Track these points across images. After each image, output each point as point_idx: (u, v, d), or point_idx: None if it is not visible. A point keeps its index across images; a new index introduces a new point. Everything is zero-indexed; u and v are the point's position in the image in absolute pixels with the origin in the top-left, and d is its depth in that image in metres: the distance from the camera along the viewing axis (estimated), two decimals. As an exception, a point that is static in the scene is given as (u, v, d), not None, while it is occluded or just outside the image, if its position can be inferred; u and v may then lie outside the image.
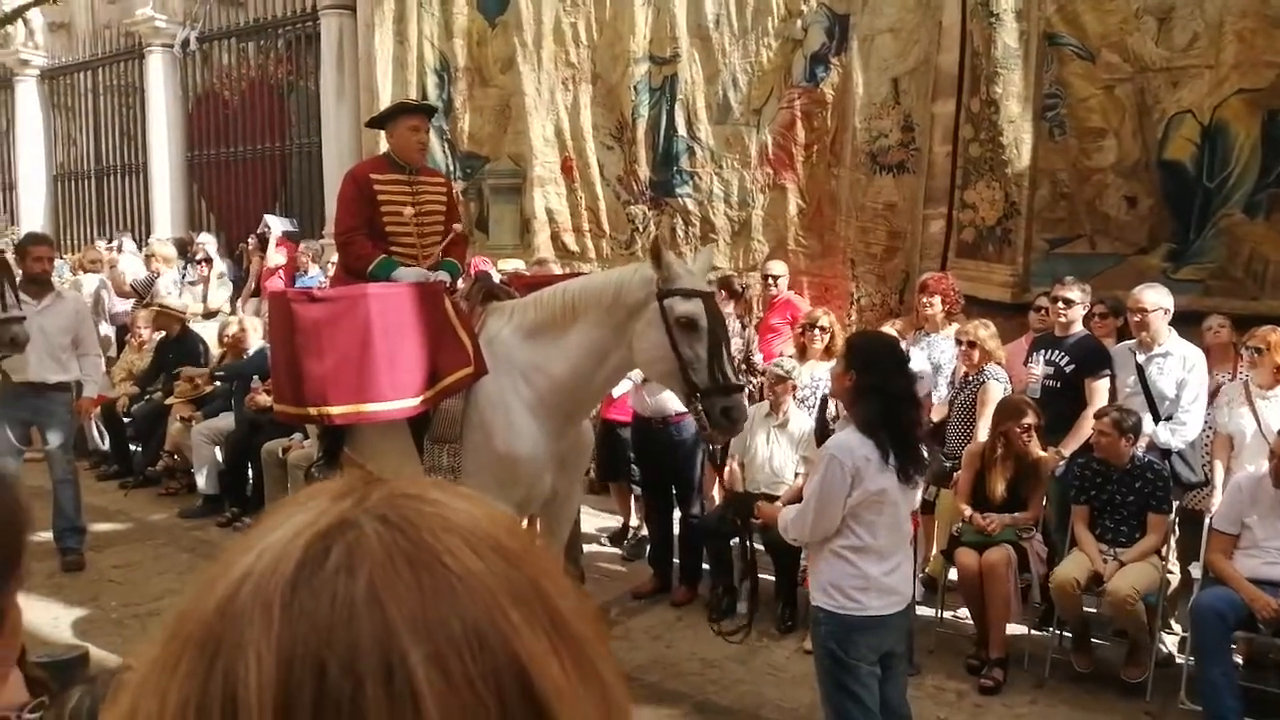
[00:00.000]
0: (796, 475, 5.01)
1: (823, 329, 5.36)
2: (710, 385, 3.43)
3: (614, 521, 6.34)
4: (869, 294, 6.33)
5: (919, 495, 3.43)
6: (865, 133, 6.27)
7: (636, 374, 4.62)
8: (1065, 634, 4.56)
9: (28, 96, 11.56)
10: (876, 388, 2.99)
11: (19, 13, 10.67)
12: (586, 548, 5.84)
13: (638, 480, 5.77)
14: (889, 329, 5.20)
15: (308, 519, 0.50)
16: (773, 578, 5.03)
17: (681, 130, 7.05)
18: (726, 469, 5.13)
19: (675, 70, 7.06)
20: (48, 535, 5.72)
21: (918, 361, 4.98)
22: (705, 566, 5.34)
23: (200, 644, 0.46)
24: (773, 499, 4.80)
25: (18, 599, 1.05)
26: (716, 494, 5.76)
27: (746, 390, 3.92)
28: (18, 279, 5.66)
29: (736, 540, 5.12)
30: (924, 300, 5.40)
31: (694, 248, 7.02)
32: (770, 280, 6.30)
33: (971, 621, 4.58)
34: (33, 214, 11.37)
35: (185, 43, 10.29)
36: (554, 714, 0.46)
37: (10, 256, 5.84)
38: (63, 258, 8.88)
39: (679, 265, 3.55)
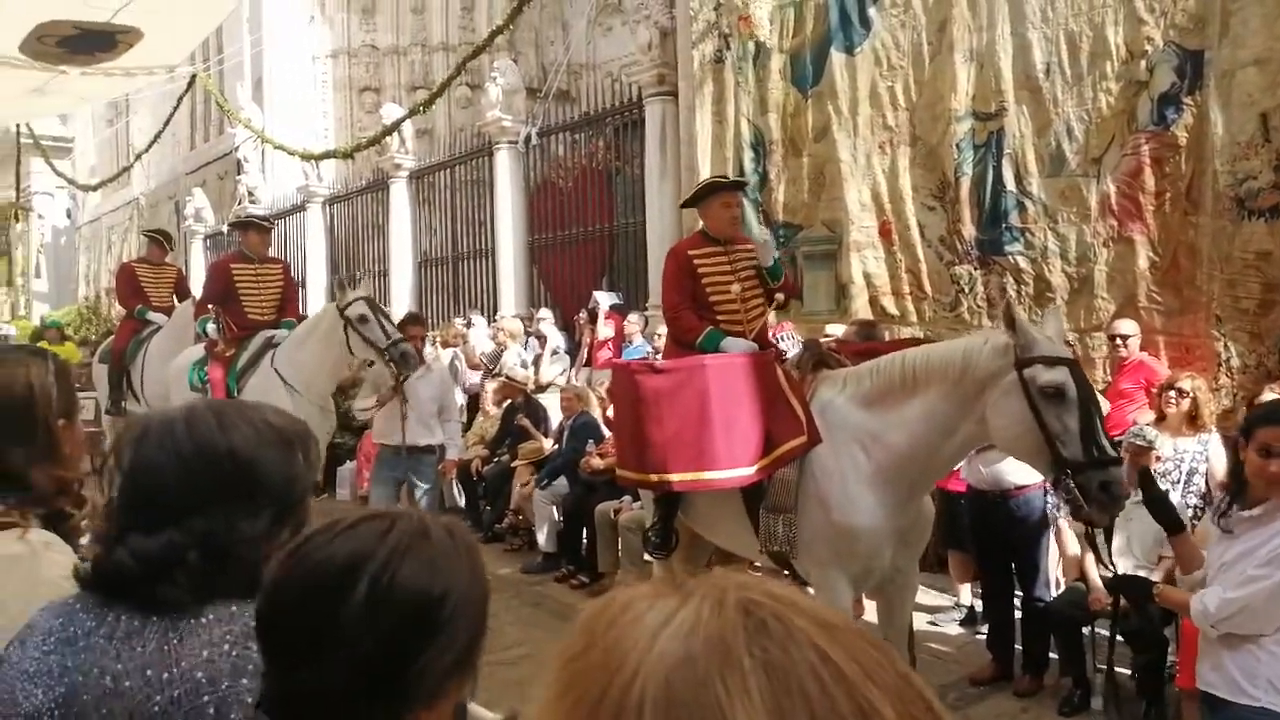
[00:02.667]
0: (1160, 559, 4.51)
1: (1181, 392, 4.83)
2: (1085, 459, 3.16)
3: (938, 598, 6.03)
4: (1241, 354, 5.62)
5: None
6: (1229, 175, 5.64)
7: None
8: None
9: (399, 195, 13.20)
10: None
11: (395, 125, 12.30)
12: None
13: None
14: (1270, 394, 4.60)
15: (687, 620, 0.56)
16: (1127, 671, 4.53)
17: (1010, 186, 6.72)
18: (1074, 553, 4.75)
19: (1002, 124, 6.76)
20: (414, 585, 6.33)
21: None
22: (1052, 655, 4.92)
23: None
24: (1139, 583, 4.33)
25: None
26: (1057, 572, 5.34)
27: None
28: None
29: (1088, 628, 4.71)
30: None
31: (1028, 307, 6.62)
32: (1119, 341, 5.79)
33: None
34: (401, 295, 12.89)
35: (527, 138, 11.33)
36: None
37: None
38: (433, 335, 9.96)
39: (1036, 330, 3.34)
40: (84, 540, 1.73)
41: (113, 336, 9.74)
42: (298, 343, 6.59)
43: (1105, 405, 5.06)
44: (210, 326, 7.15)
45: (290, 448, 1.35)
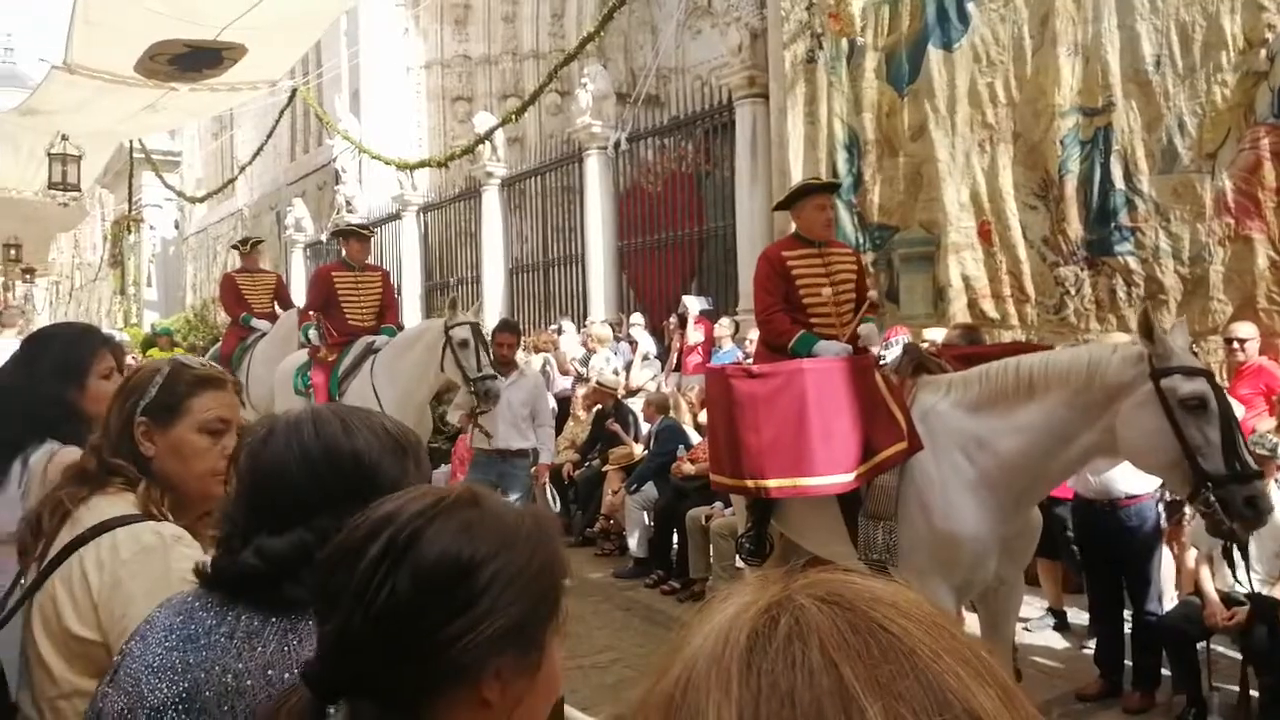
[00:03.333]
0: (1287, 572, 4.27)
1: (1312, 398, 4.56)
2: (1227, 473, 3.03)
3: (1026, 607, 5.82)
4: (1374, 358, 5.30)
5: None
6: (1358, 169, 5.33)
7: None
8: None
9: (491, 202, 13.40)
10: None
11: (487, 134, 12.49)
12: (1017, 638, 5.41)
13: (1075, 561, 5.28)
14: None
15: (745, 601, 0.55)
16: (1235, 687, 4.30)
17: (1119, 183, 6.46)
18: (1194, 566, 4.53)
19: (1109, 120, 6.51)
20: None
21: None
22: (1164, 671, 4.70)
23: (663, 715, 0.52)
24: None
25: (556, 651, 1.06)
26: (1170, 588, 5.11)
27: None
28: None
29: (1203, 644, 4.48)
30: None
31: (1137, 310, 6.35)
32: (1237, 345, 5.52)
33: None
34: (492, 302, 13.06)
35: (617, 144, 11.38)
36: None
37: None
38: (524, 341, 10.07)
39: (1173, 340, 3.18)
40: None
41: (219, 343, 10.10)
42: (399, 351, 6.72)
43: (1240, 410, 4.84)
44: (312, 333, 7.35)
45: (405, 454, 1.36)
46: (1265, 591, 4.23)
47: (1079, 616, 5.61)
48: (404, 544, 0.98)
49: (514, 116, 12.33)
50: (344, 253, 7.61)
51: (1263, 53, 5.78)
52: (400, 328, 7.67)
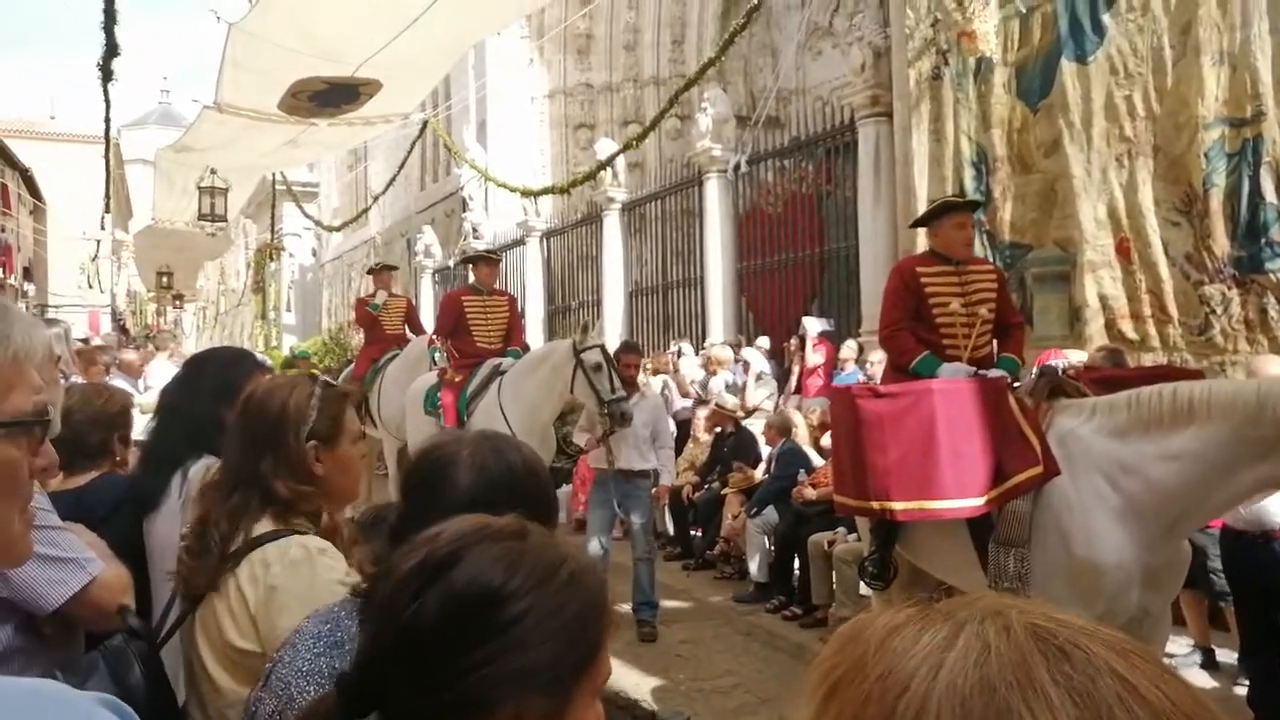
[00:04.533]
0: None
1: None
2: None
3: (1171, 643, 5.50)
4: None
5: None
6: None
7: None
8: None
9: (612, 226, 13.59)
10: None
11: (609, 160, 12.69)
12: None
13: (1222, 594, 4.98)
14: None
15: (974, 645, 0.54)
16: None
17: (1270, 197, 6.10)
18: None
19: (1259, 130, 6.16)
20: (626, 607, 6.45)
21: None
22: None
23: None
24: None
25: (595, 708, 1.01)
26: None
27: None
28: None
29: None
30: None
31: (1294, 331, 5.98)
32: (1404, 366, 5.12)
33: None
34: (613, 324, 13.21)
35: (737, 166, 11.39)
36: None
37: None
38: (645, 362, 10.15)
39: None
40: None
41: (353, 365, 10.53)
42: (526, 371, 6.87)
43: None
44: (437, 355, 7.58)
45: (546, 476, 1.44)
46: None
47: (1228, 655, 5.28)
48: (439, 564, 0.98)
49: (635, 142, 12.48)
50: (472, 278, 7.84)
51: None
52: (526, 349, 7.84)
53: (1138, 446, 3.31)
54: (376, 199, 19.85)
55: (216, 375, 2.65)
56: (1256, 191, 6.19)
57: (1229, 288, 6.36)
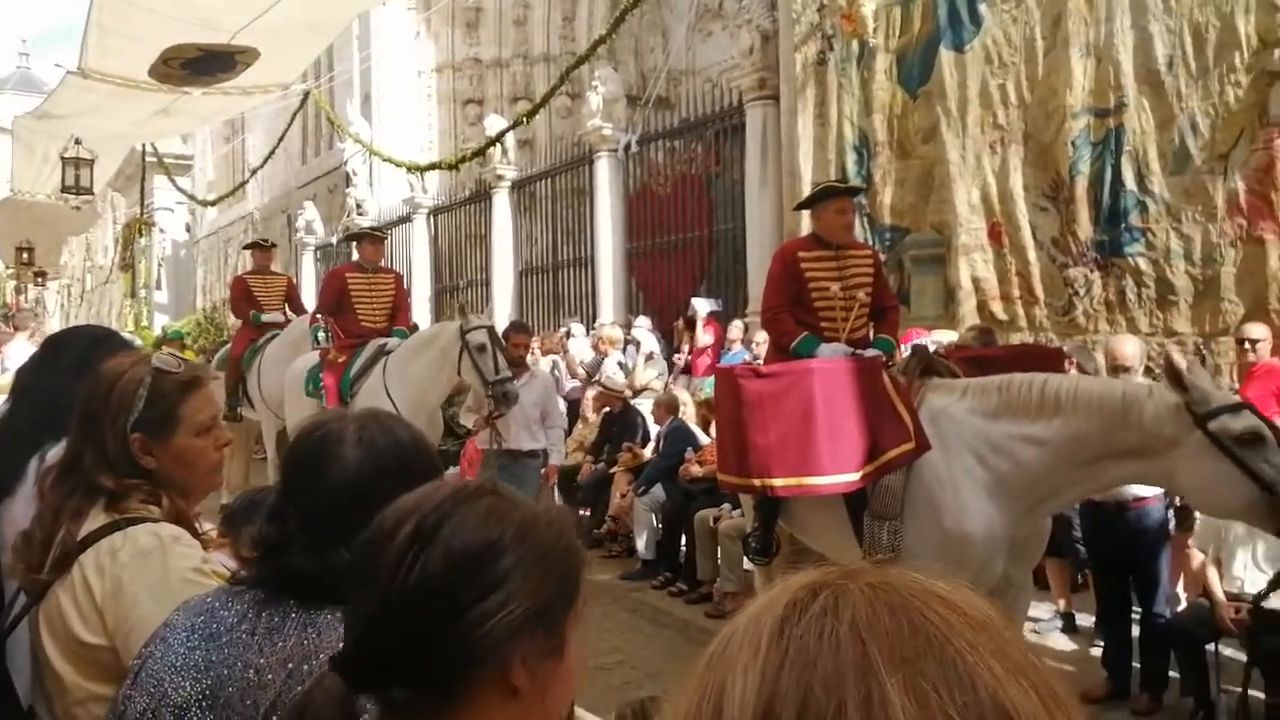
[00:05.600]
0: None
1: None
2: None
3: (1035, 608, 5.81)
4: (1386, 359, 5.27)
5: None
6: (1371, 169, 5.30)
7: None
8: None
9: (501, 205, 13.43)
10: None
11: (498, 137, 12.53)
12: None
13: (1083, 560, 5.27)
14: None
15: (792, 583, 0.57)
16: (1260, 694, 4.26)
17: (1130, 184, 6.44)
18: (1202, 572, 4.51)
19: (1121, 121, 6.49)
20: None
21: None
22: (1172, 674, 4.68)
23: (700, 680, 0.54)
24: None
25: (575, 642, 1.07)
26: (1183, 591, 5.09)
27: None
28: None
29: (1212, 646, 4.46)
30: None
31: (1149, 311, 6.33)
32: (1248, 346, 5.49)
33: None
34: (502, 304, 13.09)
35: (627, 146, 11.39)
36: None
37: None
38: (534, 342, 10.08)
39: (1206, 381, 3.14)
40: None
41: (229, 345, 10.15)
42: (413, 352, 6.74)
43: None
44: (321, 335, 7.37)
45: (435, 454, 1.44)
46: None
47: (1087, 619, 5.59)
48: (433, 526, 1.00)
49: (524, 119, 12.35)
50: (356, 255, 7.64)
51: (1277, 53, 5.76)
52: (414, 329, 7.69)
53: (1006, 429, 3.48)
54: (254, 173, 19.15)
55: (78, 355, 2.51)
56: (1118, 179, 6.52)
57: (1091, 271, 6.70)
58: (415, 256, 15.27)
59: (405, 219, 15.54)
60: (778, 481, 3.79)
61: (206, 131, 23.37)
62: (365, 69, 16.01)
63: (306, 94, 15.83)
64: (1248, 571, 4.37)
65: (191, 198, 23.01)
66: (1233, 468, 3.02)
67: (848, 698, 0.49)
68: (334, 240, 16.40)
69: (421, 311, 14.22)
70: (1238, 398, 3.24)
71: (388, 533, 1.02)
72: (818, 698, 0.49)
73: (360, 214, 15.74)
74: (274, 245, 10.25)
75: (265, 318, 9.02)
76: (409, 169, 14.36)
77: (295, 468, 1.44)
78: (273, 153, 17.91)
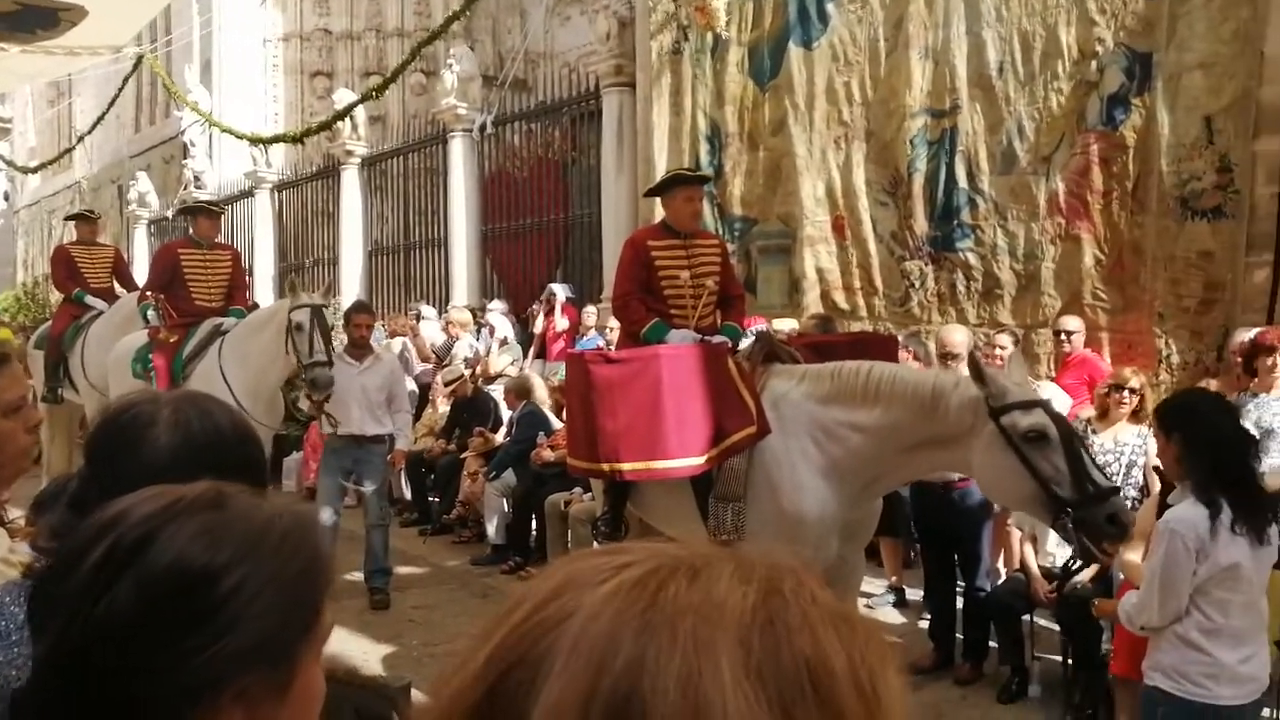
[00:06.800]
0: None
1: (1133, 391, 4.91)
2: (1082, 495, 3.11)
3: (869, 583, 6.10)
4: (1181, 351, 5.75)
5: (1272, 555, 2.93)
6: (1174, 176, 5.76)
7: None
8: None
9: (350, 182, 13.02)
10: (1201, 442, 2.69)
11: (347, 110, 12.12)
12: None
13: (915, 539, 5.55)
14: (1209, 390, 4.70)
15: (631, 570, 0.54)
16: (1055, 657, 4.61)
17: (962, 182, 6.80)
18: (1019, 548, 4.81)
19: (955, 122, 6.84)
20: (359, 575, 6.28)
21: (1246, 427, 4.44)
22: (992, 643, 4.99)
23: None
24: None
25: (319, 667, 0.96)
26: (1002, 565, 5.42)
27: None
28: (341, 342, 6.43)
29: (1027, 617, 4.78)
30: (1263, 360, 4.81)
31: (977, 303, 6.70)
32: (1064, 336, 5.90)
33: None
34: (350, 284, 12.72)
35: (482, 127, 11.22)
36: None
37: (338, 320, 6.59)
38: (381, 324, 9.83)
39: (1004, 378, 3.29)
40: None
41: (50, 322, 9.47)
42: (250, 332, 6.44)
43: (1065, 400, 5.15)
44: (151, 313, 6.96)
45: (258, 441, 1.34)
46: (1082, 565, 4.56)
47: (917, 593, 5.89)
48: (130, 548, 0.87)
49: (375, 94, 12.01)
50: (191, 230, 7.25)
51: (1094, 64, 6.18)
52: (253, 308, 7.36)
53: (836, 415, 3.62)
54: (81, 139, 17.96)
55: None
56: (951, 178, 6.87)
57: (926, 264, 7.04)
58: (258, 233, 14.66)
59: (248, 194, 14.88)
60: (626, 466, 3.83)
61: (27, 92, 21.72)
62: (206, 35, 15.22)
63: (140, 58, 14.91)
64: (1060, 548, 4.69)
65: (10, 164, 21.42)
66: (1017, 462, 3.18)
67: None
68: (170, 214, 15.53)
69: (265, 291, 13.66)
70: (1037, 394, 3.41)
71: (81, 550, 0.87)
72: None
73: (199, 187, 14.98)
74: (98, 217, 9.61)
75: (89, 300, 8.44)
76: (252, 141, 13.76)
77: (101, 451, 1.35)
78: (102, 118, 16.83)
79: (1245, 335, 5.06)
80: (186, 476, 1.16)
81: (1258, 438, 4.68)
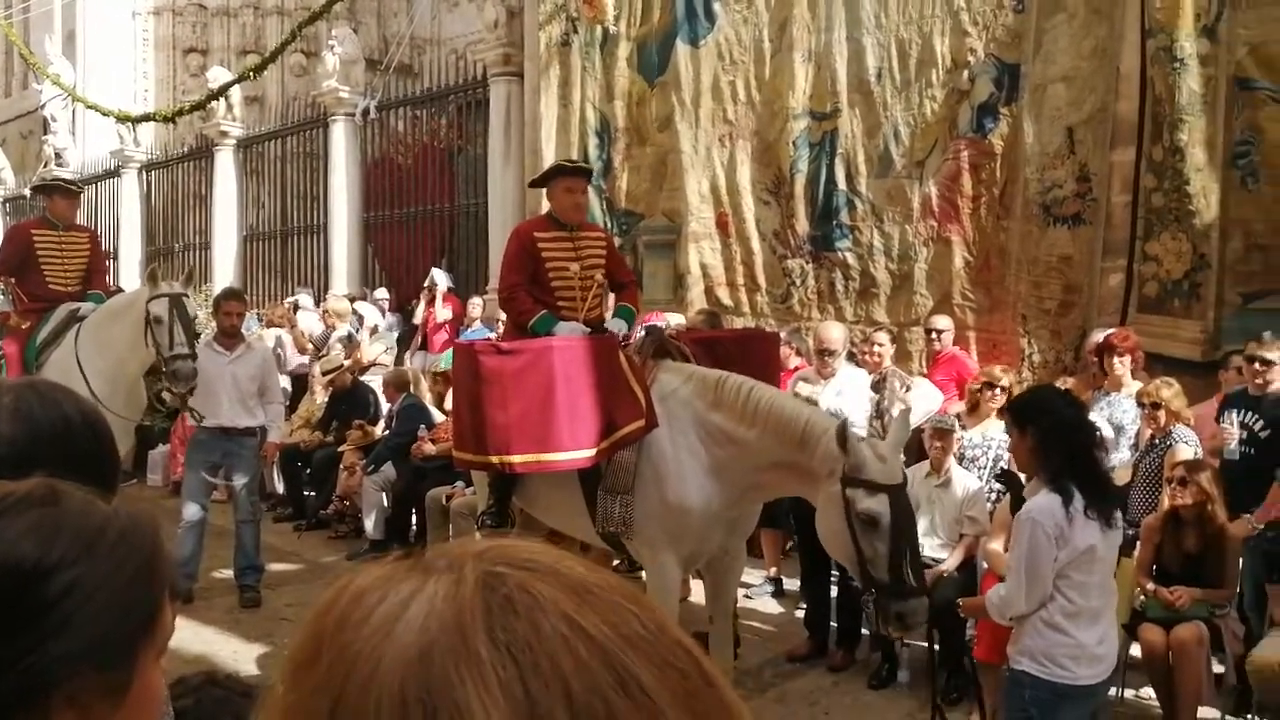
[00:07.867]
0: (961, 536, 4.80)
1: (1002, 388, 5.14)
2: (889, 584, 3.28)
3: (748, 574, 6.23)
4: (1041, 350, 6.05)
5: (1119, 538, 3.12)
6: (1037, 184, 6.05)
7: None
8: (1264, 720, 4.16)
9: (225, 164, 12.52)
10: (1054, 435, 2.85)
11: (223, 90, 11.64)
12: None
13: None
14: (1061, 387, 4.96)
15: (421, 608, 0.50)
16: (923, 643, 4.80)
17: (841, 184, 6.99)
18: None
19: (835, 125, 7.02)
20: (228, 573, 6.06)
21: (1097, 423, 4.71)
22: (863, 631, 5.16)
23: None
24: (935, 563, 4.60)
25: (158, 669, 0.93)
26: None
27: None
28: (211, 331, 6.15)
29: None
30: (1113, 359, 5.10)
31: (854, 302, 6.90)
32: (934, 335, 6.12)
33: (1156, 703, 4.25)
34: (224, 271, 12.24)
35: (365, 111, 10.94)
36: None
37: (207, 308, 6.31)
38: (255, 312, 9.47)
39: (868, 452, 3.35)
40: None
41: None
42: (109, 319, 6.09)
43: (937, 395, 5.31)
44: (0, 298, 6.55)
45: (108, 432, 1.28)
46: (944, 555, 4.77)
47: (795, 583, 6.03)
48: None
49: (253, 73, 11.59)
50: (47, 210, 6.84)
51: (965, 73, 6.43)
52: (114, 293, 6.99)
53: (719, 422, 3.69)
54: (-74, 109, 16.72)
55: None
56: (831, 179, 7.05)
57: (807, 262, 7.21)
58: (125, 215, 13.96)
59: (113, 173, 14.16)
60: (516, 458, 3.79)
61: None
62: (68, 4, 14.41)
63: (-7, 24, 14.01)
64: (926, 537, 4.88)
65: None
66: (846, 530, 3.33)
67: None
68: (26, 192, 14.63)
69: (131, 276, 13.00)
70: (896, 475, 3.42)
71: None
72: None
73: (60, 164, 14.16)
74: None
75: None
76: (118, 118, 13.09)
77: None
78: (-51, 88, 15.72)
79: (1099, 336, 5.37)
80: (26, 468, 1.09)
81: (1110, 434, 5.00)
